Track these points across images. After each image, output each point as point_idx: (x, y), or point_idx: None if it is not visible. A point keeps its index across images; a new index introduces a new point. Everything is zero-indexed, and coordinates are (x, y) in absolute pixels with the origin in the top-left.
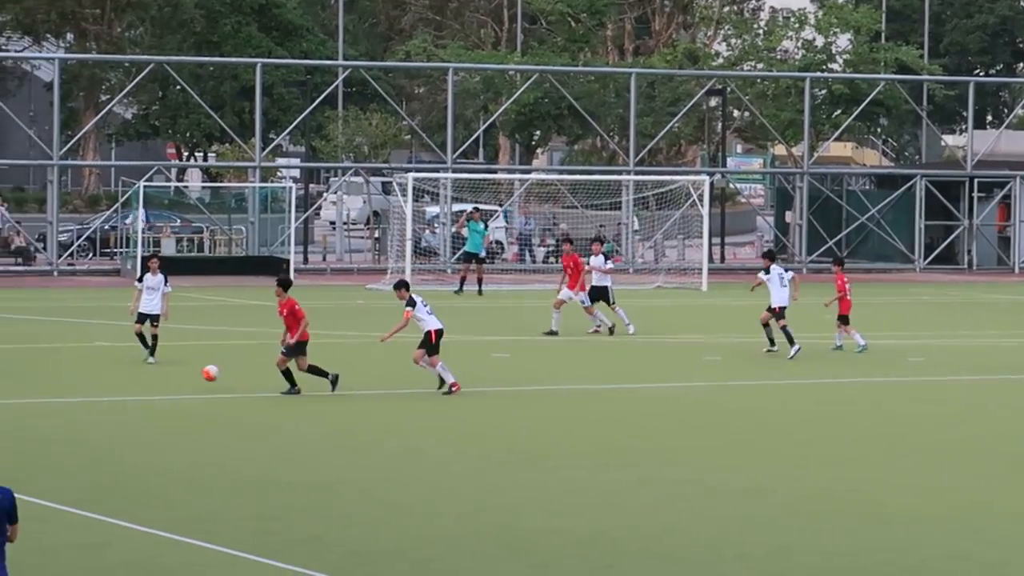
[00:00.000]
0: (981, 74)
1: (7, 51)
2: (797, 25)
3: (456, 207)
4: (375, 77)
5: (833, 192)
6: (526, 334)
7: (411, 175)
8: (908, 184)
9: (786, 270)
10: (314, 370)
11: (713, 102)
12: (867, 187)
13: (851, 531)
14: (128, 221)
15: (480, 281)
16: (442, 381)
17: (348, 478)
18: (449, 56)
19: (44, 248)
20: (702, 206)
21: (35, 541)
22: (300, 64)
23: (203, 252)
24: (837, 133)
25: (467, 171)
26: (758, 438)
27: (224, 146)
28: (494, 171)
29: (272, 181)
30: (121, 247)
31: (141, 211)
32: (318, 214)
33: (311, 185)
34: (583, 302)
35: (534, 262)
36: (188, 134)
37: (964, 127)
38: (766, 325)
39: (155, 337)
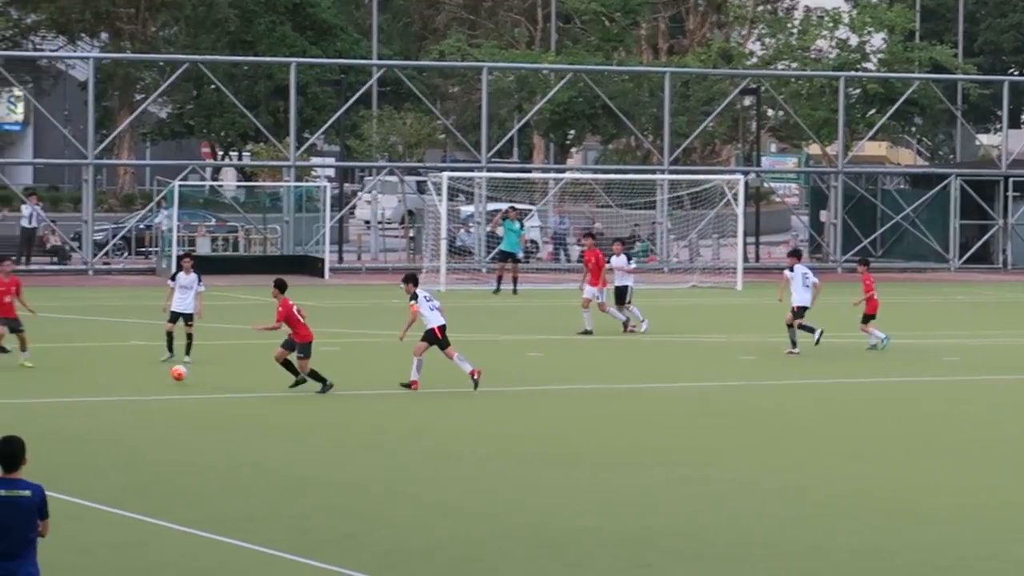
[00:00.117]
0: (1016, 73)
1: (42, 50)
2: (831, 24)
3: (491, 206)
4: (409, 76)
5: (868, 191)
6: (560, 333)
7: (446, 174)
8: (943, 184)
9: (812, 272)
10: (315, 374)
11: (747, 101)
12: (902, 186)
13: (885, 530)
14: (157, 221)
15: (515, 280)
16: (471, 379)
17: (383, 477)
18: (483, 55)
19: (79, 247)
20: (737, 205)
21: (72, 540)
22: (334, 63)
23: (238, 251)
24: (872, 132)
25: (501, 170)
26: (792, 437)
27: (259, 145)
28: (528, 170)
29: (307, 180)
30: (156, 246)
31: (170, 210)
32: (353, 213)
33: (346, 184)
34: (597, 298)
35: (568, 261)
36: (223, 133)
37: (998, 126)
38: (791, 326)
39: (190, 336)
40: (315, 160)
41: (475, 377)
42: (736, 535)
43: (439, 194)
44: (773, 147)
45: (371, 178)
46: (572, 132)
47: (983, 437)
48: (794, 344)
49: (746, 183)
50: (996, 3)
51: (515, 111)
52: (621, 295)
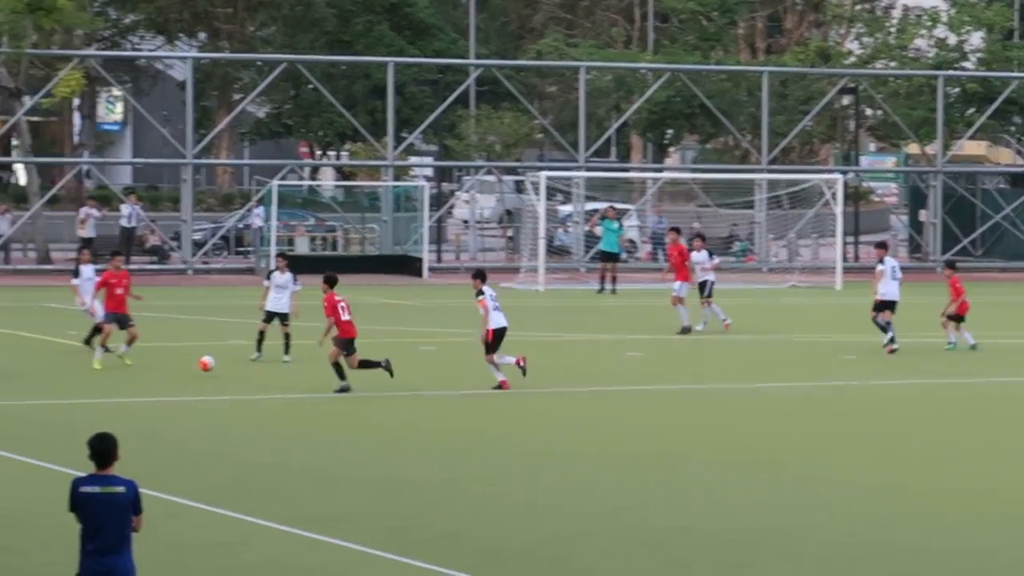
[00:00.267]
0: None
1: (141, 50)
2: (929, 23)
3: (588, 206)
4: (507, 76)
5: (967, 191)
6: (659, 333)
7: (544, 174)
8: None
9: (900, 267)
10: (365, 364)
11: (845, 100)
12: (1001, 186)
13: (989, 528)
14: (249, 221)
15: (614, 280)
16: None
17: (482, 476)
18: (581, 55)
19: (178, 247)
20: (835, 205)
21: (173, 538)
22: (432, 63)
23: (336, 251)
24: (971, 132)
25: (599, 170)
26: (894, 436)
27: (357, 145)
28: (626, 170)
29: (405, 180)
30: (252, 246)
31: (260, 209)
32: (451, 213)
33: (444, 184)
34: (675, 292)
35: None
36: (321, 133)
37: None
38: (880, 322)
39: (287, 336)
40: (413, 160)
41: (522, 364)
42: (838, 534)
43: (537, 194)
44: (872, 146)
45: (469, 177)
46: (670, 131)
47: None
48: (892, 339)
49: (845, 182)
50: None
51: (613, 110)
52: (702, 291)
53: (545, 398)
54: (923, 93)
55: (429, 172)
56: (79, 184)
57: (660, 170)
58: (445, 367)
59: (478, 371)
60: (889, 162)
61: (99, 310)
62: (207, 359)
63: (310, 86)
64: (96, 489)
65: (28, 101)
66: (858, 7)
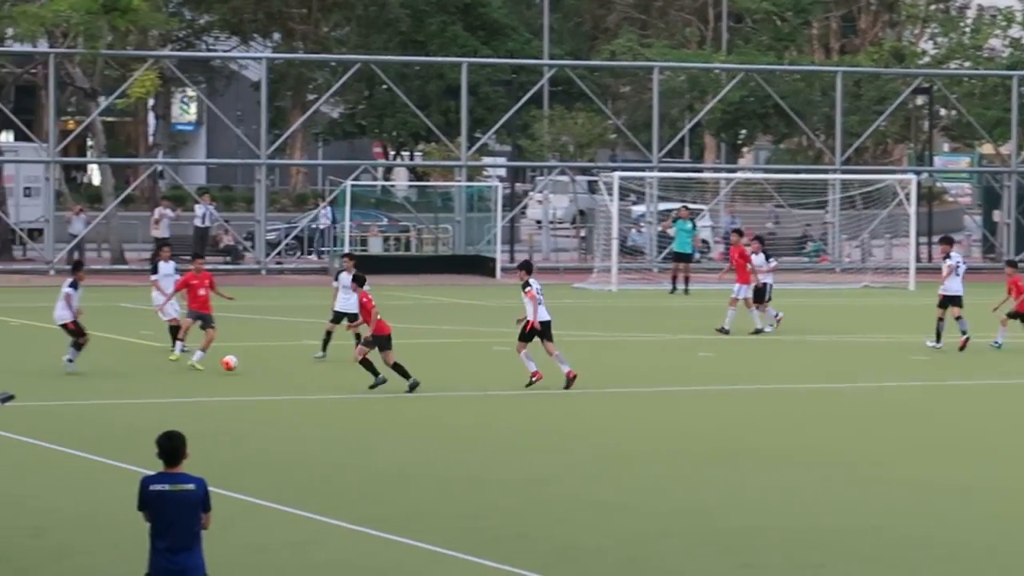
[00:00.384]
0: None
1: (215, 51)
2: (1004, 23)
3: (662, 206)
4: (580, 76)
5: None
6: (732, 333)
7: (617, 174)
8: None
9: (964, 262)
10: (398, 369)
11: (919, 101)
12: None
13: None
14: (318, 223)
15: (687, 280)
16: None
17: (554, 477)
18: (654, 55)
19: (252, 247)
20: (909, 205)
21: (245, 538)
22: (506, 63)
23: (410, 251)
24: None
25: (673, 170)
26: (966, 436)
27: (430, 145)
28: (700, 170)
29: (478, 180)
30: (323, 246)
31: (329, 210)
32: (524, 213)
33: (517, 184)
34: (734, 293)
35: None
36: (394, 133)
37: None
38: (959, 319)
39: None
40: (487, 160)
41: (534, 379)
42: (909, 535)
43: (610, 194)
44: (946, 147)
45: (542, 178)
46: (743, 132)
47: None
48: (963, 332)
49: (919, 182)
50: None
51: (686, 111)
52: (759, 294)
53: (616, 398)
54: (997, 93)
55: (502, 172)
56: (153, 184)
57: (733, 170)
58: (517, 368)
59: (550, 372)
60: (963, 162)
61: (170, 309)
62: (230, 358)
63: (384, 86)
64: (165, 487)
65: (103, 102)
66: (932, 7)
